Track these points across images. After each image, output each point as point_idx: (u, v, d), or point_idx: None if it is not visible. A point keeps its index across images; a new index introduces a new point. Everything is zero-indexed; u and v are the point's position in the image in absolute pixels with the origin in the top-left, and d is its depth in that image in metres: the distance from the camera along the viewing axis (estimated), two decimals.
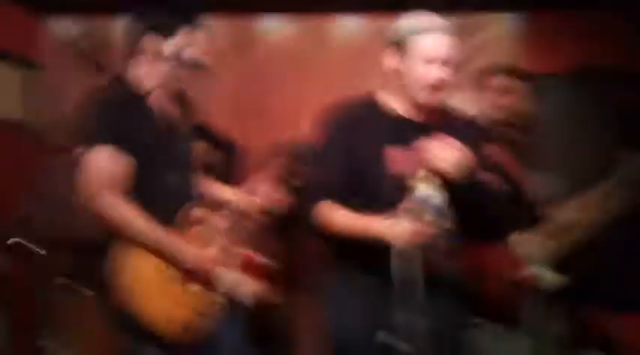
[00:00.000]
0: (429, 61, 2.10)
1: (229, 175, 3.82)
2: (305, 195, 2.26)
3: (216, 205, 2.48)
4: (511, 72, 3.05)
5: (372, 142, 2.15)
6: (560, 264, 2.52)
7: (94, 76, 4.37)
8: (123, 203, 2.17)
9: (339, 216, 2.14)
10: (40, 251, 1.96)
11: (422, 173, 2.02)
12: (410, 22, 2.15)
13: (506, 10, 4.06)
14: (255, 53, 4.40)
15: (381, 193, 2.10)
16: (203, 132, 3.60)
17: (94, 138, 2.19)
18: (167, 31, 2.28)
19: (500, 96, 2.98)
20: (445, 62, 2.11)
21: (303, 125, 4.17)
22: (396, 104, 2.21)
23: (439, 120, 2.18)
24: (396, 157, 2.13)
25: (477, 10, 4.08)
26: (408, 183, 2.03)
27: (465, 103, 3.15)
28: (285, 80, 4.34)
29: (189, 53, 2.30)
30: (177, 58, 2.27)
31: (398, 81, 2.17)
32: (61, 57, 4.57)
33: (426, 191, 2.00)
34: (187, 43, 2.30)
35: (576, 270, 2.58)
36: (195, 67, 2.30)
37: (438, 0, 3.86)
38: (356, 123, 2.21)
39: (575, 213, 2.67)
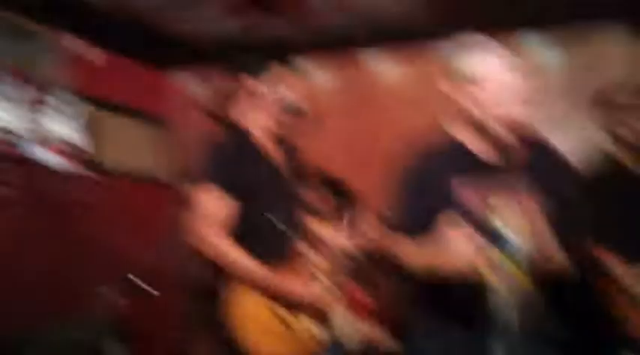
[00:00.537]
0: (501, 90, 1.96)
1: (341, 216, 3.95)
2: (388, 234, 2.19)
3: (322, 244, 2.59)
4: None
5: (445, 178, 2.02)
6: None
7: (217, 127, 4.69)
8: (230, 243, 2.32)
9: (410, 252, 2.05)
10: (153, 292, 2.14)
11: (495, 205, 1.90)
12: (476, 52, 2.01)
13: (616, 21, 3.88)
14: (366, 92, 4.50)
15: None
16: (315, 175, 3.77)
17: (204, 181, 2.37)
18: (258, 70, 2.45)
19: (629, 115, 2.79)
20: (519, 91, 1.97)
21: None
22: (470, 139, 2.06)
23: (519, 159, 2.01)
24: (466, 193, 2.00)
25: (588, 21, 3.90)
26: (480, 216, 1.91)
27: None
28: (396, 118, 4.40)
29: (285, 95, 2.45)
30: (274, 102, 2.43)
31: (471, 115, 2.01)
32: (187, 111, 4.89)
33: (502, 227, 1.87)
34: (279, 80, 2.46)
35: None
36: (294, 110, 2.44)
37: (550, 15, 3.79)
38: (430, 158, 2.11)
39: None
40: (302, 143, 2.56)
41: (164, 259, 4.14)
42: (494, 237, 1.84)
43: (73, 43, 4.14)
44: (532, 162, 2.02)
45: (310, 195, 3.73)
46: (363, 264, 2.60)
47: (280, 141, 2.58)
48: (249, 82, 2.48)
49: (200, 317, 3.75)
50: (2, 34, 3.61)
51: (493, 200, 1.90)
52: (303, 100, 2.52)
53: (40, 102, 3.71)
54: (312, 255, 2.50)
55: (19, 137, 3.48)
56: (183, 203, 4.61)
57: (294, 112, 2.46)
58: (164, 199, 4.73)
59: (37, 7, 3.71)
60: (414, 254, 2.03)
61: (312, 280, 2.47)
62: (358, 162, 4.41)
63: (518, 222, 1.85)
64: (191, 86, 4.95)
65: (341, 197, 3.85)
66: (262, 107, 2.48)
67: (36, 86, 3.66)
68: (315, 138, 4.39)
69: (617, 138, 2.86)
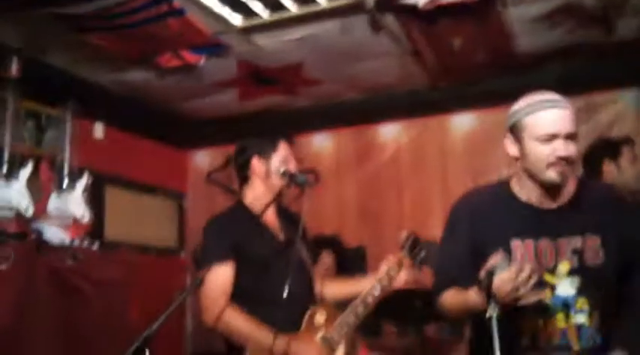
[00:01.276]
0: (548, 138, 1.94)
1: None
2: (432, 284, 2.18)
3: (337, 305, 2.57)
4: (631, 142, 3.14)
5: (499, 231, 2.01)
6: None
7: (229, 201, 4.75)
8: (241, 316, 2.34)
9: (447, 297, 2.07)
10: None
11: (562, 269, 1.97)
12: (522, 103, 2.01)
13: (620, 86, 3.98)
14: (376, 160, 4.58)
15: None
16: (324, 241, 3.80)
17: (211, 256, 2.40)
18: (270, 151, 2.55)
19: (633, 164, 3.05)
20: (566, 137, 1.94)
21: (430, 224, 4.27)
22: (524, 192, 2.04)
23: (572, 203, 2.02)
24: (521, 249, 1.99)
25: (591, 90, 4.04)
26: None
27: None
28: (406, 184, 4.47)
29: (291, 167, 2.54)
30: (281, 175, 2.51)
31: (522, 167, 2.02)
32: (205, 187, 5.00)
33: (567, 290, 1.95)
34: (287, 154, 2.56)
35: None
36: (298, 180, 2.49)
37: (551, 86, 3.99)
38: (483, 210, 2.08)
39: None
40: (309, 211, 2.54)
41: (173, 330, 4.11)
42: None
43: (96, 128, 4.37)
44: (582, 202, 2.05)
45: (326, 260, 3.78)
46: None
47: (281, 211, 2.65)
48: (259, 161, 2.57)
49: None
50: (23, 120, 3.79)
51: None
52: (310, 171, 2.61)
53: (50, 179, 3.79)
54: (323, 318, 2.48)
55: (27, 213, 3.51)
56: (195, 272, 4.73)
57: (297, 181, 2.51)
58: (175, 269, 4.82)
59: (58, 94, 3.94)
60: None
61: (322, 342, 2.44)
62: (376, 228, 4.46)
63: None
64: (206, 164, 5.07)
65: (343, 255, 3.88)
66: (268, 180, 2.56)
67: (49, 164, 3.79)
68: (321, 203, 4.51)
69: None
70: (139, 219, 4.64)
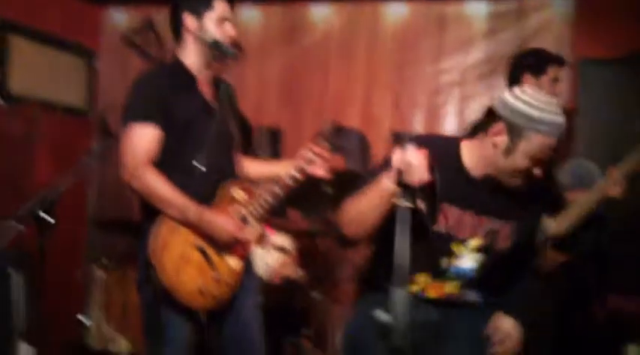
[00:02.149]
0: (535, 159, 1.98)
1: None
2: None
3: (251, 183, 2.56)
4: (562, 62, 3.12)
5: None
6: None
7: (147, 65, 4.54)
8: (160, 178, 2.28)
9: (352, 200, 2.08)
10: (51, 220, 2.07)
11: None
12: (534, 110, 1.96)
13: None
14: (303, 41, 4.43)
15: (425, 243, 2.02)
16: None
17: (138, 113, 2.30)
18: (203, 7, 2.38)
19: (553, 86, 3.06)
20: (544, 163, 2.01)
21: (350, 112, 4.28)
22: (472, 163, 2.08)
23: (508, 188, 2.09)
24: (447, 212, 2.06)
25: None
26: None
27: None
28: (333, 67, 4.37)
29: (227, 30, 2.39)
30: (209, 44, 2.36)
31: (494, 153, 2.02)
32: (120, 48, 4.70)
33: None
34: (223, 14, 2.39)
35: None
36: (225, 51, 2.37)
37: None
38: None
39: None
40: (235, 83, 2.46)
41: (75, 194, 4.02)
42: None
43: None
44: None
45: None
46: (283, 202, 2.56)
47: (214, 80, 2.52)
48: (189, 19, 2.40)
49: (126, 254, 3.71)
50: None
51: None
52: (238, 41, 2.46)
53: None
54: (239, 194, 2.47)
55: None
56: (103, 134, 4.59)
57: (228, 53, 2.39)
58: (82, 130, 4.65)
59: None
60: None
61: (237, 217, 2.44)
62: (299, 109, 4.42)
63: None
64: (123, 23, 4.77)
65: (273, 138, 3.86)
66: (199, 45, 2.41)
67: None
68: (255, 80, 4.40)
69: None
70: (47, 75, 4.35)
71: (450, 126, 4.15)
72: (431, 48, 4.21)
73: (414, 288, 2.10)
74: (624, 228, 3.34)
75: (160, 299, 2.25)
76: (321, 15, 4.41)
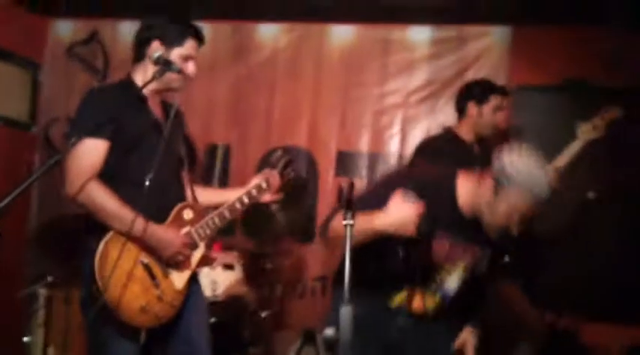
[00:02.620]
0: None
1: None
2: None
3: (204, 208, 2.60)
4: (505, 93, 3.37)
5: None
6: None
7: (92, 79, 4.50)
8: (106, 192, 2.29)
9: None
10: None
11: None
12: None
13: (493, 23, 4.16)
14: (251, 60, 4.48)
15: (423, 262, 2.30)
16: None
17: (85, 127, 2.29)
18: (175, 43, 2.43)
19: (494, 114, 3.31)
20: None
21: (296, 131, 4.35)
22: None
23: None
24: (444, 240, 2.31)
25: (464, 22, 4.19)
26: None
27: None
28: (280, 86, 4.44)
29: (189, 69, 2.45)
30: (154, 60, 2.39)
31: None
32: (64, 59, 4.66)
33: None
34: (190, 54, 2.45)
35: None
36: (172, 68, 2.39)
37: (426, 13, 4.09)
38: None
39: None
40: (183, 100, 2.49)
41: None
42: None
43: None
44: None
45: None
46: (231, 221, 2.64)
47: (163, 103, 2.57)
48: (159, 47, 2.43)
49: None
50: None
51: None
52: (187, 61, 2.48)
53: None
54: (188, 215, 2.51)
55: None
56: (46, 148, 4.52)
57: (173, 68, 2.40)
58: (25, 143, 4.58)
59: None
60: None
61: (185, 234, 2.49)
62: (247, 128, 4.46)
63: None
64: (68, 35, 4.70)
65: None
66: (154, 67, 2.43)
67: None
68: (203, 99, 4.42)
69: None
70: None
71: (394, 147, 4.28)
72: (376, 70, 4.33)
73: (398, 299, 2.34)
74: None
75: (103, 317, 2.25)
76: (269, 34, 4.48)
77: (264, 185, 2.63)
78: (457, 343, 2.49)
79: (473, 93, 3.33)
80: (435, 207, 2.17)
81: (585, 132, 3.30)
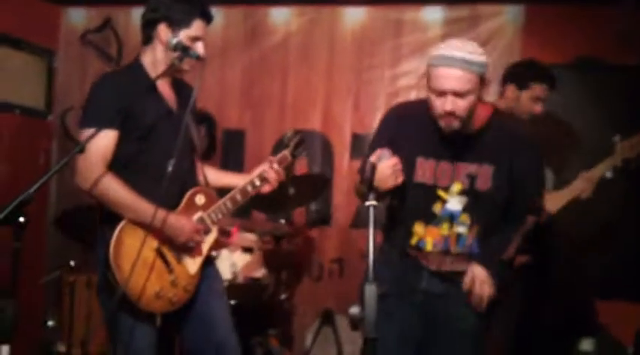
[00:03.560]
0: (438, 93, 2.16)
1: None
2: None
3: (211, 186, 2.63)
4: (550, 83, 3.17)
5: (410, 145, 2.31)
6: None
7: (105, 66, 4.53)
8: (118, 182, 2.30)
9: None
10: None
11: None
12: (435, 51, 2.18)
13: (506, 2, 4.13)
14: (264, 44, 4.48)
15: (406, 196, 2.32)
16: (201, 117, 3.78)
17: (96, 117, 2.29)
18: (182, 24, 2.40)
19: (531, 103, 3.15)
20: (455, 94, 2.14)
21: (311, 114, 4.36)
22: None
23: (478, 133, 2.29)
24: (424, 166, 2.31)
25: (477, 1, 4.17)
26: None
27: None
28: (293, 70, 4.44)
29: (198, 49, 2.41)
30: (172, 47, 2.37)
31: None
32: (78, 47, 4.69)
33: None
34: (198, 35, 2.42)
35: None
36: (191, 54, 2.38)
37: None
38: (406, 123, 2.37)
39: None
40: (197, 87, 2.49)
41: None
42: None
43: None
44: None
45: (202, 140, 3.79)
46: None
47: (175, 83, 2.55)
48: (163, 31, 2.41)
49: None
50: None
51: None
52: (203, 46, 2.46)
53: None
54: (200, 200, 2.54)
55: None
56: (62, 136, 4.57)
57: (192, 55, 2.39)
58: (41, 132, 4.63)
59: None
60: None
61: (197, 219, 2.51)
62: (259, 112, 4.49)
63: None
64: (81, 22, 4.73)
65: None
66: (167, 51, 2.41)
67: None
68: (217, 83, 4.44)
69: None
70: (4, 75, 4.29)
71: None
72: (388, 52, 4.32)
73: (414, 240, 2.35)
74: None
75: (118, 303, 2.28)
76: (281, 18, 4.48)
77: (275, 166, 2.63)
78: (466, 280, 2.32)
79: (515, 75, 3.17)
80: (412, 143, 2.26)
81: (624, 149, 3.19)
